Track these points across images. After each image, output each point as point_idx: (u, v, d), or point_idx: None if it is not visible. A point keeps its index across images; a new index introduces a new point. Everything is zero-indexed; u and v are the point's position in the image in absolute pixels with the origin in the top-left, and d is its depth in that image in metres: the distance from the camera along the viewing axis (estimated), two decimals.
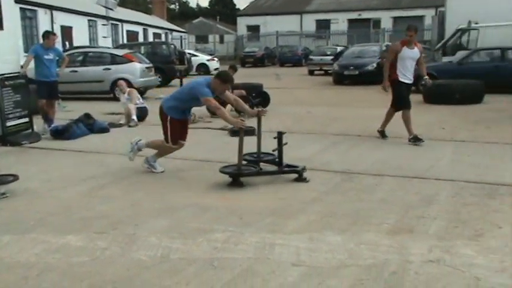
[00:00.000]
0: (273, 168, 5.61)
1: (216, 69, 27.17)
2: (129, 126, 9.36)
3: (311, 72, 24.80)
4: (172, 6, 70.82)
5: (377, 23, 41.23)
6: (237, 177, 5.26)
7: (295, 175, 5.47)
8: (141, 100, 10.30)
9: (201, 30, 51.32)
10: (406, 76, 7.38)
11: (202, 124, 9.54)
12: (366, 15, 42.03)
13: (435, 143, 7.31)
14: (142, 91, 14.16)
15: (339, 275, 3.16)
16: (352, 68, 18.60)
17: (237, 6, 66.73)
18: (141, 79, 14.53)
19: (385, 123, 7.77)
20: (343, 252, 3.50)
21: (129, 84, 12.38)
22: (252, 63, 34.47)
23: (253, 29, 46.28)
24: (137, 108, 9.76)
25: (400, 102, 7.48)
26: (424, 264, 3.28)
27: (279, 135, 5.53)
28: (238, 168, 5.31)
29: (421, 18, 38.40)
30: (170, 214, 4.40)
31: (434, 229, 3.92)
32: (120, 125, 9.42)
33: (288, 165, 5.57)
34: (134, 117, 9.48)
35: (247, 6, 51.35)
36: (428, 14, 35.96)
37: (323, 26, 43.20)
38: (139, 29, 37.76)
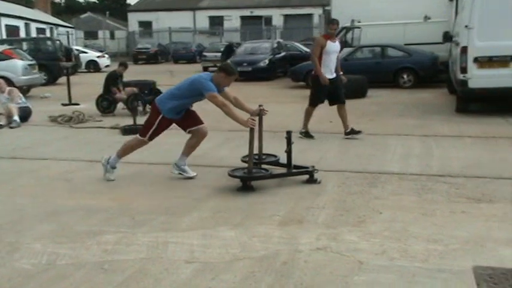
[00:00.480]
0: (283, 170, 5.29)
1: (106, 66, 26.28)
2: (11, 127, 8.80)
3: (205, 69, 24.80)
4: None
5: (268, 20, 42.19)
6: (248, 181, 4.93)
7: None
8: (23, 99, 9.76)
9: (89, 25, 49.15)
10: (329, 71, 7.31)
11: (93, 123, 9.21)
12: (257, 12, 42.79)
13: (324, 136, 7.64)
14: (25, 90, 13.32)
15: (232, 268, 3.21)
16: (245, 64, 18.88)
17: (127, 1, 64.80)
18: (24, 77, 13.70)
19: (344, 121, 7.56)
20: (236, 246, 3.56)
21: (10, 82, 11.58)
22: (145, 60, 33.79)
23: (146, 25, 45.21)
24: (19, 108, 9.23)
25: (313, 100, 7.48)
26: (312, 252, 3.43)
27: (288, 135, 5.19)
28: (248, 171, 4.97)
29: (309, 16, 39.89)
30: (56, 218, 4.19)
31: (322, 218, 4.11)
32: (1, 126, 8.81)
33: (296, 166, 5.26)
34: (16, 117, 8.94)
35: (138, 1, 50.01)
36: (316, 13, 37.55)
37: (216, 22, 43.33)
38: (20, 23, 35.28)
